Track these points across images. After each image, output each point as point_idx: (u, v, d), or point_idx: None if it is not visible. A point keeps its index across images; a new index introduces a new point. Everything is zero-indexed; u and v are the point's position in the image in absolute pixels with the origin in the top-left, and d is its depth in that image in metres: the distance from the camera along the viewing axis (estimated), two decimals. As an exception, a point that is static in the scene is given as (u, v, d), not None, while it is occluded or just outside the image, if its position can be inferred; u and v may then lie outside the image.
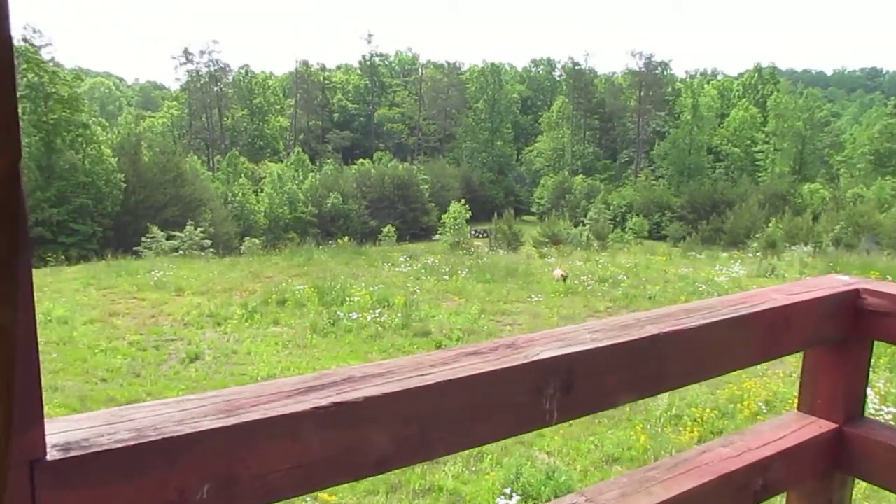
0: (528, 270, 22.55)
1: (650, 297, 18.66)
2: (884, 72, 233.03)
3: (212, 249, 34.77)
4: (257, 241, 42.04)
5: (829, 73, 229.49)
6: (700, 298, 18.43)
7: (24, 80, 42.84)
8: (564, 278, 20.14)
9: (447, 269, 22.13)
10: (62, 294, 17.38)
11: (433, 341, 14.04)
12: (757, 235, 49.18)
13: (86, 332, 14.05)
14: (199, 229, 35.49)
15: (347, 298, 17.08)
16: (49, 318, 14.48)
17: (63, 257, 30.21)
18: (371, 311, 15.94)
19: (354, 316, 15.54)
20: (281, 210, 71.65)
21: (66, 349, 12.78)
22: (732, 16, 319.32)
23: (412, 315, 15.74)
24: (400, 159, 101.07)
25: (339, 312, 15.75)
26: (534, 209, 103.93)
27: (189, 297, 17.27)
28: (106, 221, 45.80)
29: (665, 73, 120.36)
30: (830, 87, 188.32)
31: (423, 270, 22.19)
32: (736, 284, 21.03)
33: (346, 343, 13.93)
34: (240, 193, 67.93)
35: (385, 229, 48.56)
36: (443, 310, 16.64)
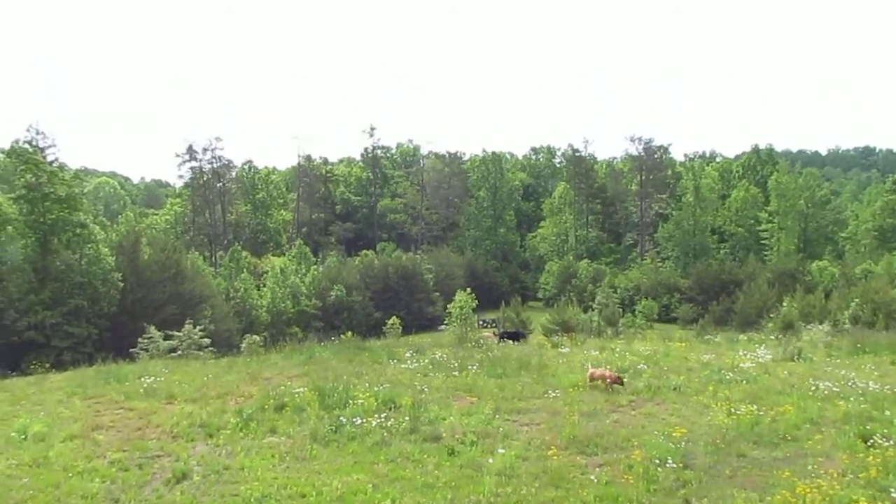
0: (542, 362, 21.41)
1: (675, 389, 17.45)
2: (877, 150, 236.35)
3: (211, 348, 33.66)
4: (258, 338, 40.75)
5: (823, 152, 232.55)
6: (729, 388, 17.25)
7: (22, 180, 42.59)
8: (621, 381, 17.38)
9: (456, 364, 21.00)
10: (43, 406, 16.19)
11: (445, 447, 12.81)
12: (771, 315, 47.93)
13: (63, 450, 12.81)
14: (199, 327, 34.39)
15: (351, 401, 15.88)
16: (24, 435, 13.30)
17: (49, 364, 28.91)
18: (376, 415, 14.74)
19: (358, 421, 14.33)
20: (283, 304, 70.60)
21: (40, 472, 11.54)
22: (726, 98, 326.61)
23: (421, 417, 14.55)
24: (403, 249, 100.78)
25: (341, 417, 14.55)
26: (540, 295, 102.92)
27: (180, 406, 16.08)
28: (102, 322, 44.70)
29: (665, 156, 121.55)
30: (826, 167, 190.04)
31: (430, 366, 21.05)
32: (764, 370, 19.83)
33: (349, 453, 12.68)
34: (242, 288, 67.05)
35: (390, 321, 47.40)
36: (454, 410, 15.44)
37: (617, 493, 10.53)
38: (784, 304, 45.36)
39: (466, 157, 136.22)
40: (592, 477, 11.27)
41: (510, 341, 31.93)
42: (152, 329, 32.51)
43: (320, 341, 31.22)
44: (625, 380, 17.69)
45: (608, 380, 17.33)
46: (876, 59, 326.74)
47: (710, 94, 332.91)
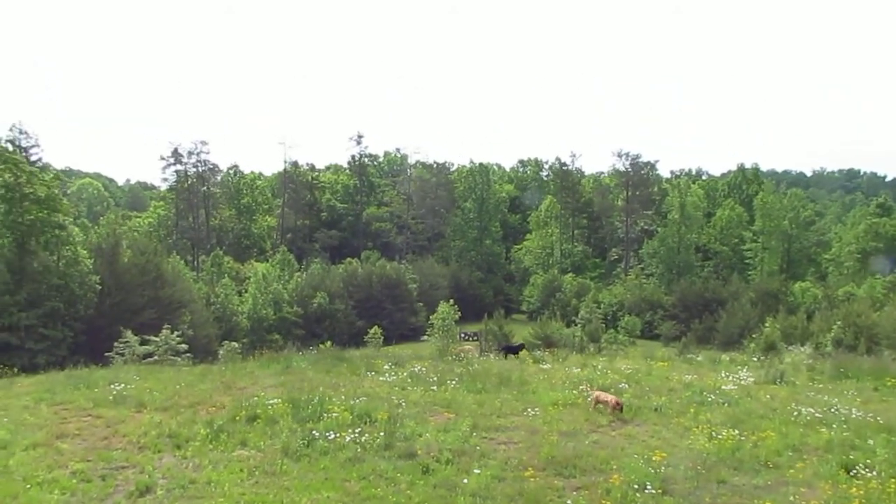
0: (523, 378, 21.15)
1: (656, 410, 17.23)
2: (861, 173, 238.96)
3: (189, 354, 33.23)
4: (236, 345, 40.39)
5: (808, 173, 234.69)
6: (710, 410, 17.03)
7: (0, 179, 41.88)
8: (620, 408, 16.52)
9: (435, 378, 20.71)
10: (7, 412, 15.74)
11: (419, 465, 12.47)
12: (753, 335, 48.02)
13: (25, 459, 12.40)
14: (177, 333, 33.97)
15: (325, 414, 15.56)
16: (-16, 442, 12.86)
17: (19, 367, 28.27)
18: (351, 429, 14.40)
19: (332, 435, 13.98)
20: (265, 311, 70.06)
21: (-3, 482, 11.11)
22: (713, 116, 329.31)
23: (396, 433, 14.23)
24: (388, 258, 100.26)
25: (314, 431, 14.20)
26: (524, 308, 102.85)
27: (149, 415, 15.67)
28: (78, 325, 44.01)
29: (651, 173, 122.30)
30: (811, 188, 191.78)
31: (409, 379, 20.74)
32: (746, 393, 19.66)
33: (321, 468, 12.33)
34: (222, 294, 66.48)
35: (372, 330, 47.00)
36: (430, 426, 15.13)
37: (594, 519, 10.25)
38: (766, 324, 45.36)
39: (454, 168, 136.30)
40: (569, 501, 11.00)
41: (512, 355, 31.89)
42: (129, 334, 31.98)
43: (300, 350, 30.80)
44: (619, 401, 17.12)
45: (612, 405, 16.72)
46: (862, 83, 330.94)
47: (697, 111, 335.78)
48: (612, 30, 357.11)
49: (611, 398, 17.04)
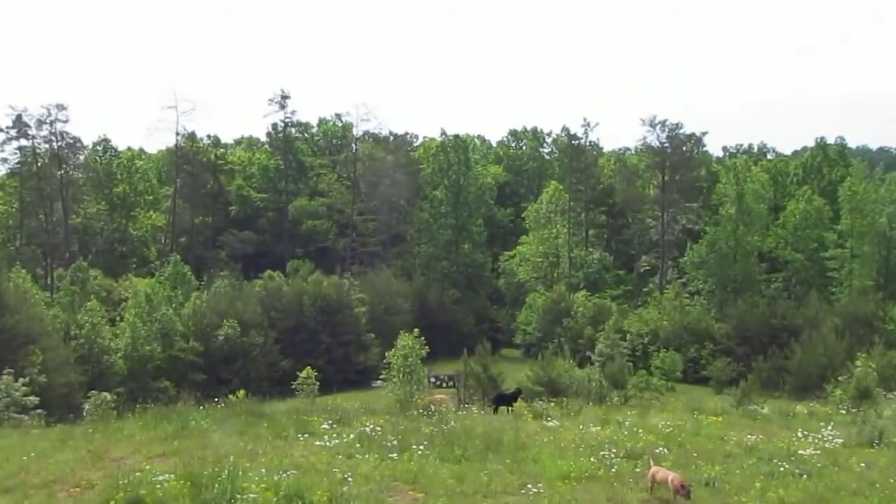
0: (519, 441, 21.22)
1: (707, 484, 17.36)
2: None
3: (41, 410, 33.03)
4: (109, 397, 40.07)
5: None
6: (783, 485, 17.12)
7: None
8: (687, 493, 15.93)
9: (395, 442, 20.70)
10: None
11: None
12: (839, 378, 48.60)
13: None
14: (22, 380, 33.75)
15: (239, 495, 15.41)
16: None
17: None
18: (276, 518, 14.37)
19: (249, 527, 13.95)
20: (149, 347, 69.51)
21: None
22: (778, 68, 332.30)
23: (342, 522, 14.24)
24: (325, 271, 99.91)
25: (224, 521, 14.16)
26: (518, 339, 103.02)
27: (-16, 499, 15.49)
28: None
29: (697, 150, 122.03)
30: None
31: (357, 444, 20.74)
32: (831, 460, 19.83)
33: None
34: (88, 323, 65.85)
35: (303, 373, 46.57)
36: (389, 512, 15.15)
37: None
38: (858, 362, 45.93)
39: (418, 142, 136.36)
40: None
41: (505, 407, 31.98)
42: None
43: (200, 403, 30.51)
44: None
45: (676, 488, 16.09)
46: None
47: (755, 61, 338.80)
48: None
49: (673, 477, 16.41)
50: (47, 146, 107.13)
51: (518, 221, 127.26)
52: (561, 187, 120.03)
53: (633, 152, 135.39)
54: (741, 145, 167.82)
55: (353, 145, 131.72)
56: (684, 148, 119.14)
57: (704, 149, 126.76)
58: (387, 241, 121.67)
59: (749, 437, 22.57)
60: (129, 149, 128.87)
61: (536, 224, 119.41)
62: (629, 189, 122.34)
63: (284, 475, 16.75)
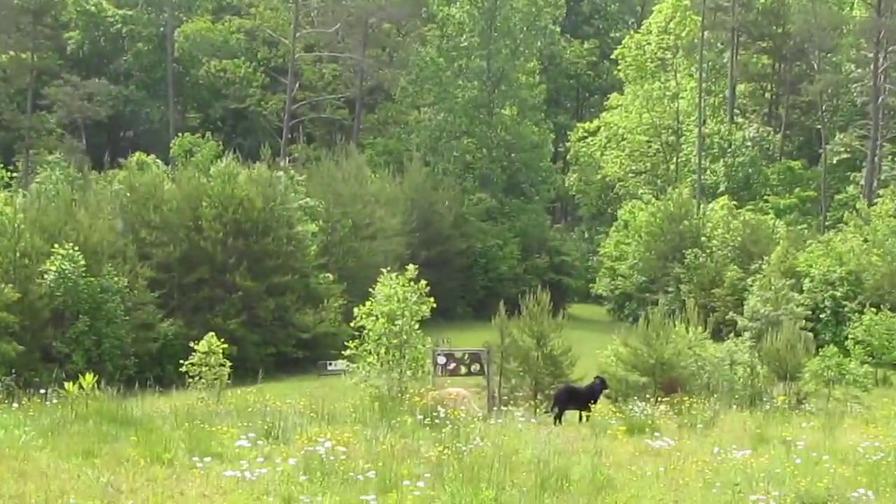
0: (600, 474, 14.18)
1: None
2: None
3: None
4: None
5: None
6: None
7: None
8: None
9: (372, 474, 13.29)
10: None
11: None
12: None
13: None
14: None
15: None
16: None
17: None
18: None
19: None
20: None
21: None
22: None
23: None
24: (245, 156, 64.53)
25: None
26: (599, 289, 71.81)
27: None
28: None
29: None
30: None
31: (303, 475, 13.17)
32: None
33: None
34: None
35: (202, 345, 31.92)
36: None
37: None
38: None
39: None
40: None
41: (576, 409, 24.16)
42: None
43: (10, 396, 21.38)
44: None
45: None
46: None
47: None
48: None
49: None
50: None
51: (602, 67, 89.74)
52: (687, 1, 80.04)
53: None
54: None
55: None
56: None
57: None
58: (358, 99, 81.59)
59: None
60: None
61: (639, 71, 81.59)
62: (815, 7, 76.51)
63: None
